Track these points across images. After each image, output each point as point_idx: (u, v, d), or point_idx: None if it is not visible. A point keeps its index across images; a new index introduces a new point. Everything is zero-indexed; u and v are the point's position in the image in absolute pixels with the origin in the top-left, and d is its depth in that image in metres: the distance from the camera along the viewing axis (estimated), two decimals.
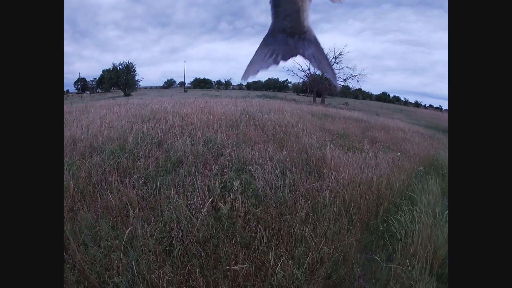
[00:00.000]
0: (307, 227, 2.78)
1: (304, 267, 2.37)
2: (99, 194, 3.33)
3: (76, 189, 3.40)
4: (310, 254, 2.48)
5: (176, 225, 2.71)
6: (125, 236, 2.46)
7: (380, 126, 11.15)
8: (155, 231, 2.60)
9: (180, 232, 2.62)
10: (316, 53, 0.62)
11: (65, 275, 2.18)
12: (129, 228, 2.57)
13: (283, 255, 2.44)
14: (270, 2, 0.63)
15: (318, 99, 40.74)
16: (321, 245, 2.60)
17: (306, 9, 0.61)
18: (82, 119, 7.62)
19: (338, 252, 2.61)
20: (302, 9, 0.61)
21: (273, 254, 2.40)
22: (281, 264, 2.33)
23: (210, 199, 3.02)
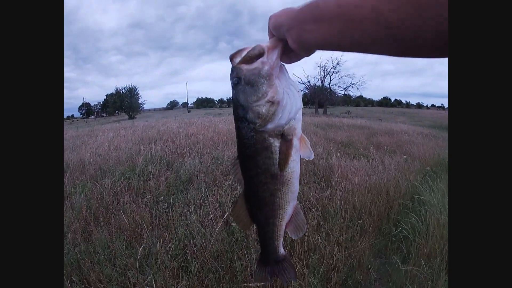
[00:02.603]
0: (319, 235, 2.80)
1: (319, 274, 2.39)
2: (112, 214, 3.38)
3: (88, 211, 3.47)
4: (324, 261, 2.49)
5: (190, 242, 2.75)
6: (140, 254, 2.50)
7: (384, 131, 11.17)
8: (170, 248, 2.64)
9: (195, 248, 2.65)
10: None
11: None
12: (142, 245, 2.61)
13: (298, 265, 2.46)
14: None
15: (320, 110, 40.86)
16: (335, 252, 2.61)
17: (280, 237, 0.82)
18: (90, 143, 7.76)
19: (352, 258, 2.62)
20: (278, 239, 0.83)
21: None
22: (296, 273, 2.35)
23: (222, 214, 3.06)
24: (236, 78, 0.66)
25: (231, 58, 0.67)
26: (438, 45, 0.38)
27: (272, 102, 0.66)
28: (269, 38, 0.67)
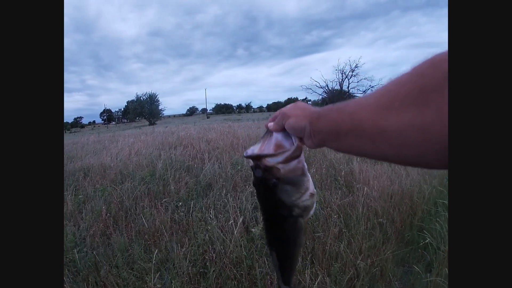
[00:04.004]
0: (341, 243, 2.72)
1: (342, 284, 2.31)
2: (132, 218, 3.40)
3: (108, 214, 3.50)
4: (346, 270, 2.41)
5: (210, 247, 2.72)
6: (158, 259, 2.49)
7: None
8: (188, 254, 2.62)
9: (214, 254, 2.62)
10: None
11: None
12: (161, 250, 2.60)
13: (319, 273, 2.39)
14: None
15: None
16: (357, 260, 2.53)
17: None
18: (111, 148, 7.92)
19: (374, 267, 2.53)
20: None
21: (309, 273, 2.36)
22: (318, 282, 2.28)
23: (242, 220, 3.02)
24: (275, 180, 0.65)
25: (260, 157, 0.66)
26: (439, 162, 0.41)
27: (312, 194, 0.68)
28: (274, 125, 0.69)
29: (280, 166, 0.64)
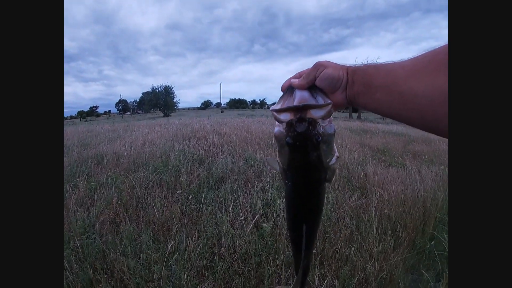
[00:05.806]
0: (352, 246, 2.67)
1: (349, 287, 2.27)
2: (142, 207, 3.42)
3: (119, 202, 3.52)
4: (356, 274, 2.37)
5: (219, 241, 2.70)
6: (168, 249, 2.49)
7: (421, 139, 10.62)
8: (197, 246, 2.61)
9: (223, 249, 2.61)
10: None
11: (101, 285, 2.22)
12: (172, 243, 2.60)
13: (328, 275, 2.35)
14: None
15: (354, 115, 39.98)
16: (367, 264, 2.48)
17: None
18: (125, 137, 8.00)
19: (384, 272, 2.47)
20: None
21: (318, 274, 2.32)
22: (326, 284, 2.24)
23: (252, 216, 2.99)
24: (319, 136, 0.57)
25: (299, 109, 0.58)
26: (423, 128, 0.51)
27: (338, 156, 0.64)
28: (302, 80, 0.63)
29: (320, 122, 0.58)
